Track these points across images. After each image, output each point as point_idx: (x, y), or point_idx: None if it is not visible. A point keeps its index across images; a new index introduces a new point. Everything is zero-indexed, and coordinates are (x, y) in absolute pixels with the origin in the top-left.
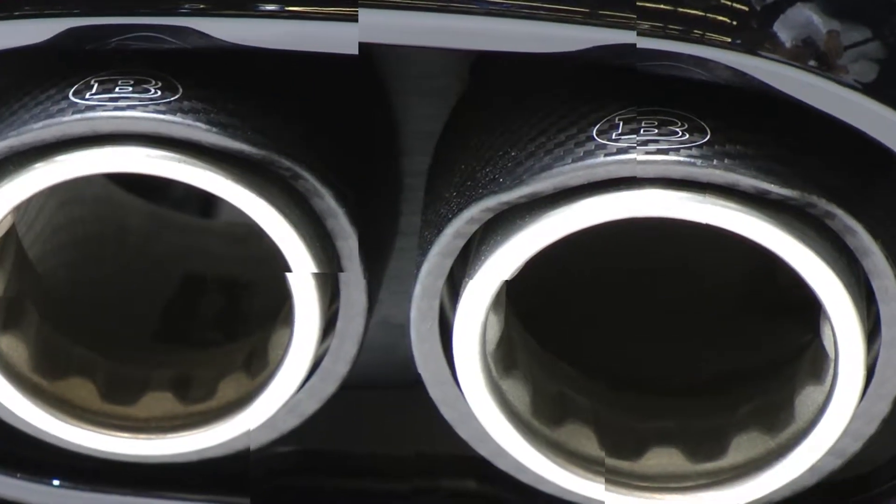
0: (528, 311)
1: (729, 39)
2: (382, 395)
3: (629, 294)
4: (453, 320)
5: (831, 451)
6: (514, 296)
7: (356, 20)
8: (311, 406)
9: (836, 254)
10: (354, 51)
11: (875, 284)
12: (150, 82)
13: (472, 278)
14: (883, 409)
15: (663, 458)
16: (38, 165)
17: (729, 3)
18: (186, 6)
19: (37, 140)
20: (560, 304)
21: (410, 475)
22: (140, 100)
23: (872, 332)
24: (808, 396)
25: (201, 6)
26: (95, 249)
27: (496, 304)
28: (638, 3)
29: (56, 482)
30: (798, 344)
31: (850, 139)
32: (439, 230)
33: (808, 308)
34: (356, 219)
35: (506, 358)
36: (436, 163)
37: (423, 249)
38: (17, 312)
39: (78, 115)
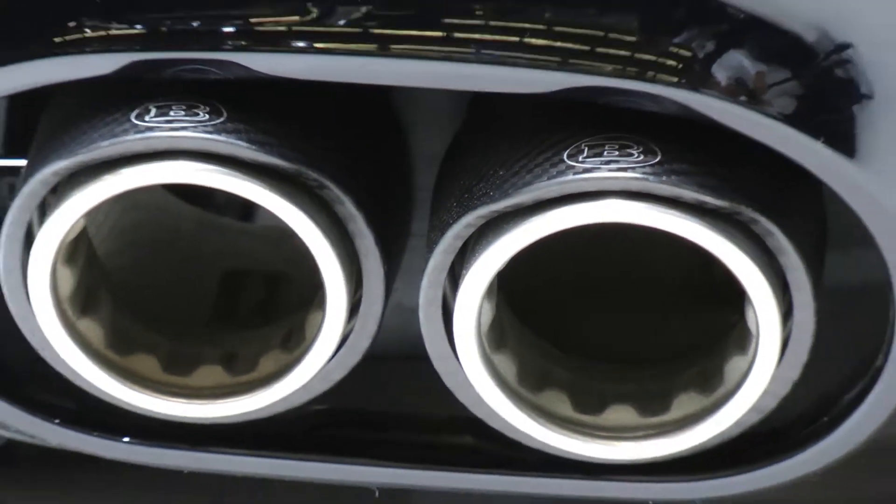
0: (516, 300)
1: (676, 79)
2: (397, 366)
3: (600, 286)
4: (454, 306)
5: (753, 408)
6: (505, 288)
7: (369, 55)
8: (339, 373)
9: (759, 252)
10: (370, 81)
11: (789, 276)
12: (199, 107)
13: (468, 271)
14: (794, 374)
15: (620, 414)
16: (105, 177)
17: (676, 49)
18: (230, 43)
19: (104, 156)
20: (542, 295)
21: (418, 431)
22: (191, 122)
23: (787, 313)
24: (735, 364)
25: (242, 43)
26: (154, 248)
27: (489, 293)
28: (603, 51)
29: (126, 439)
30: (728, 323)
31: (772, 159)
32: (443, 233)
33: (737, 295)
34: (373, 222)
35: (497, 337)
36: (440, 179)
37: (430, 248)
38: (93, 301)
39: (139, 135)
